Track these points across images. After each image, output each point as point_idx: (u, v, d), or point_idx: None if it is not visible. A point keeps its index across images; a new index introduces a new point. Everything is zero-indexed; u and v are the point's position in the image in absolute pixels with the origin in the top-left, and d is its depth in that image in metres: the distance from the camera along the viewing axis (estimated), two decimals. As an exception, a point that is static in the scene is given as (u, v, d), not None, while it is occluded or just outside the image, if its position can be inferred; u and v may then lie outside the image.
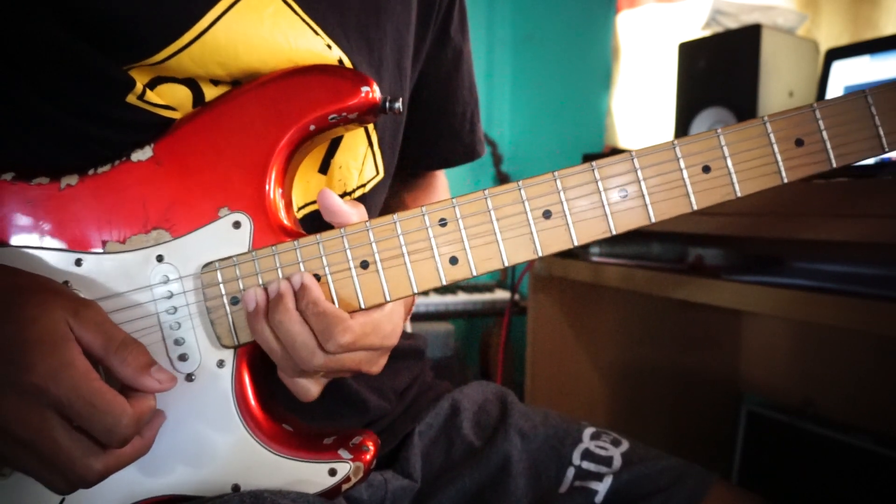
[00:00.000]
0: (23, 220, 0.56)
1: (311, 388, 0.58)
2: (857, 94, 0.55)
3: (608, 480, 0.74)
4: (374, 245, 0.57)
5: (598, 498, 0.73)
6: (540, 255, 0.56)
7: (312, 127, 0.59)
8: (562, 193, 0.56)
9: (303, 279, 0.55)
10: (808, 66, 1.46)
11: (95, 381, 0.49)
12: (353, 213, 0.58)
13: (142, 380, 0.52)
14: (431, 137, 0.86)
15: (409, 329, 1.19)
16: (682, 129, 1.51)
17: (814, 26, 1.72)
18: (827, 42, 1.64)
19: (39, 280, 0.53)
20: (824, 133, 0.55)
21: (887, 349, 1.43)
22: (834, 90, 1.27)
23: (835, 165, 0.56)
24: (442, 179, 0.97)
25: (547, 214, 0.56)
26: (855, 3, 1.66)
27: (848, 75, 1.25)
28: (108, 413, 0.48)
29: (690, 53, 1.51)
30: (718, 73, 1.45)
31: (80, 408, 0.48)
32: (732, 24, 1.56)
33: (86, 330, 0.50)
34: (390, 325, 0.60)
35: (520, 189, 0.56)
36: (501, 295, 2.56)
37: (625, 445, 0.78)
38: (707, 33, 1.56)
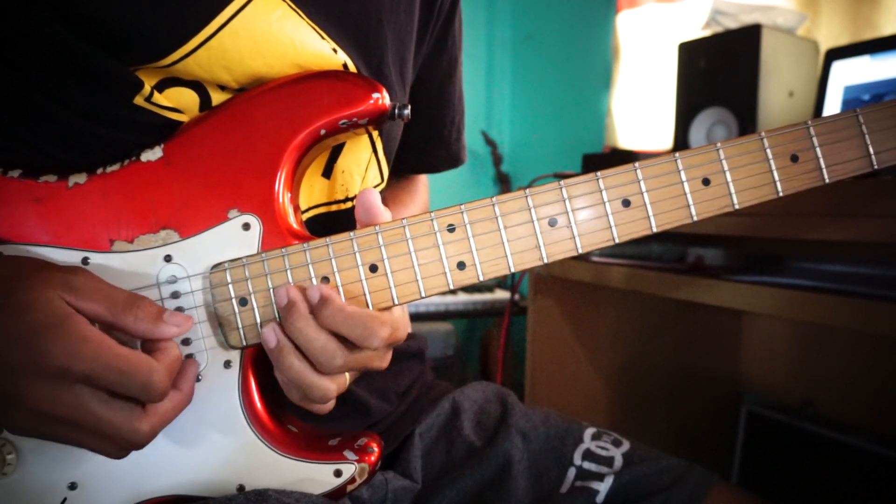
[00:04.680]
0: (29, 217, 0.56)
1: (326, 405, 0.58)
2: (850, 113, 0.58)
3: (609, 480, 0.74)
4: (383, 248, 0.57)
5: (600, 498, 0.73)
6: (545, 262, 0.57)
7: (323, 131, 0.59)
8: (567, 202, 0.57)
9: (321, 291, 0.54)
10: (808, 66, 1.47)
11: (114, 346, 0.49)
12: (388, 216, 0.59)
13: (160, 329, 0.52)
14: (420, 143, 0.86)
15: (409, 329, 1.19)
16: (683, 129, 1.51)
17: (814, 26, 1.72)
18: (827, 42, 1.64)
19: (17, 263, 0.53)
20: (818, 150, 0.58)
21: (887, 349, 1.43)
22: (834, 90, 1.28)
23: (827, 181, 0.58)
24: (423, 181, 0.98)
25: (552, 222, 0.57)
26: (855, 3, 1.66)
27: (848, 75, 1.26)
28: (137, 373, 0.49)
29: (690, 53, 1.51)
30: (718, 73, 1.45)
31: (108, 376, 0.48)
32: (732, 24, 1.56)
33: (84, 300, 0.50)
34: (405, 318, 0.61)
35: (526, 197, 0.57)
36: (501, 295, 2.57)
37: (626, 446, 0.78)
38: (707, 33, 1.56)
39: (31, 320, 0.48)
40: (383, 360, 0.59)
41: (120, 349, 0.49)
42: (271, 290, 0.57)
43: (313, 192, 0.67)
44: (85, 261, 0.56)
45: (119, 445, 0.51)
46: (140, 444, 0.51)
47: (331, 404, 0.58)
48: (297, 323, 0.54)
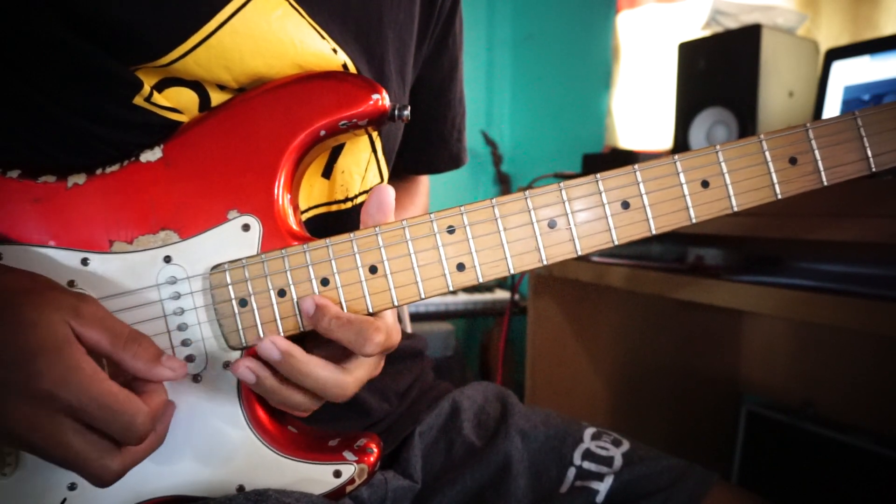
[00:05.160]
0: (28, 218, 0.56)
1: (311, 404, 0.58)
2: (848, 116, 0.58)
3: (609, 480, 0.74)
4: (382, 250, 0.57)
5: (599, 498, 0.73)
6: (545, 263, 0.57)
7: (323, 132, 0.59)
8: (567, 204, 0.57)
9: (315, 301, 0.55)
10: (808, 66, 1.47)
11: (105, 381, 0.48)
12: (393, 218, 0.59)
13: (155, 371, 0.52)
14: (421, 143, 0.86)
15: (409, 329, 1.20)
16: (682, 129, 1.51)
17: (814, 26, 1.72)
18: (827, 42, 1.64)
19: (32, 279, 0.52)
20: (817, 153, 0.58)
21: (887, 349, 1.43)
22: (834, 90, 1.28)
23: (826, 184, 0.58)
24: (424, 183, 0.98)
25: (552, 224, 0.57)
26: (855, 3, 1.66)
27: (848, 75, 1.26)
28: (122, 413, 0.48)
29: (690, 53, 1.51)
30: (718, 73, 1.45)
31: (93, 411, 0.48)
32: (732, 24, 1.56)
33: (89, 328, 0.50)
34: (397, 325, 0.60)
35: (526, 199, 0.57)
36: (501, 295, 2.57)
37: (626, 445, 0.78)
38: (707, 33, 1.56)
39: (31, 340, 0.47)
40: (375, 370, 0.59)
41: (111, 385, 0.48)
42: (271, 292, 0.57)
43: (313, 193, 0.67)
44: (84, 261, 0.56)
45: (86, 479, 0.50)
46: (107, 483, 0.50)
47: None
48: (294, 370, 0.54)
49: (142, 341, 0.52)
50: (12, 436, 0.48)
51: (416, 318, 2.43)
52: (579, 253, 0.58)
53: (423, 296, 0.57)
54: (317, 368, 0.54)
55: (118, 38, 0.55)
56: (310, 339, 0.58)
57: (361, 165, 0.70)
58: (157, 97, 0.58)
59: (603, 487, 0.74)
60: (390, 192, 0.58)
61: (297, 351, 0.54)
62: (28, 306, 0.49)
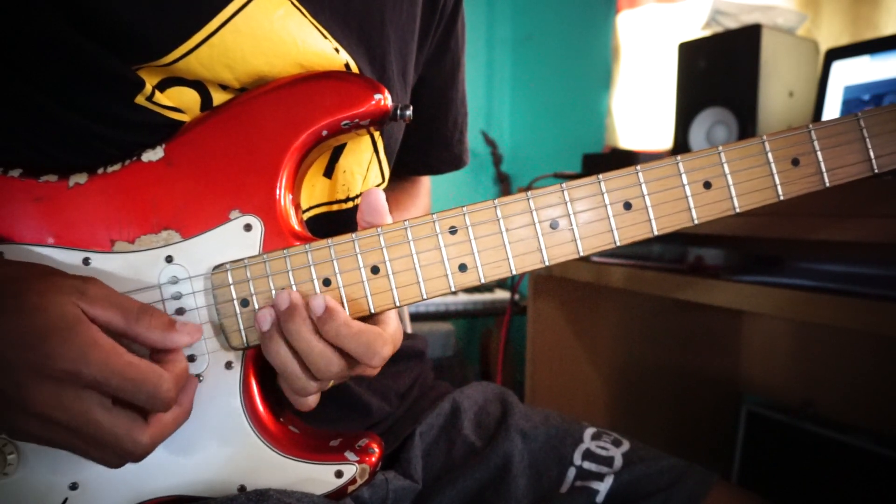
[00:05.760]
0: (30, 217, 0.56)
1: (308, 400, 0.58)
2: (850, 117, 0.58)
3: (609, 480, 0.74)
4: (384, 251, 0.57)
5: (600, 498, 0.73)
6: (547, 264, 0.57)
7: (325, 132, 0.59)
8: (569, 205, 0.57)
9: (325, 303, 0.54)
10: (808, 66, 1.47)
11: (124, 354, 0.49)
12: (390, 219, 0.59)
13: (171, 338, 0.53)
14: (422, 144, 0.86)
15: (409, 329, 1.20)
16: (683, 129, 1.51)
17: (814, 26, 1.72)
18: (827, 42, 1.64)
19: (31, 267, 0.53)
20: (819, 154, 0.58)
21: (887, 349, 1.43)
22: (834, 90, 1.28)
23: (828, 185, 0.58)
24: (425, 183, 0.98)
25: (554, 225, 0.57)
26: (855, 3, 1.66)
27: (848, 75, 1.26)
28: (145, 381, 0.49)
29: (690, 53, 1.51)
30: (718, 73, 1.45)
31: (116, 383, 0.48)
32: (732, 24, 1.56)
33: (98, 308, 0.50)
34: (400, 330, 0.60)
35: (528, 199, 0.57)
36: (501, 295, 2.57)
37: (626, 446, 0.78)
38: (707, 33, 1.56)
39: (42, 323, 0.48)
40: (376, 369, 0.59)
41: (130, 357, 0.49)
42: (273, 291, 0.57)
43: (314, 192, 0.67)
44: (86, 261, 0.56)
45: (118, 455, 0.51)
46: (139, 456, 0.51)
47: (313, 400, 0.58)
48: (297, 326, 0.54)
49: (153, 312, 0.53)
50: (42, 420, 0.48)
51: (416, 318, 2.43)
52: (581, 253, 0.58)
53: (424, 296, 0.57)
54: (360, 326, 0.54)
55: (119, 38, 0.55)
56: None
57: (363, 165, 0.70)
58: (158, 97, 0.58)
59: (603, 487, 0.74)
60: (380, 194, 0.58)
61: (341, 311, 0.54)
62: (32, 292, 0.49)
